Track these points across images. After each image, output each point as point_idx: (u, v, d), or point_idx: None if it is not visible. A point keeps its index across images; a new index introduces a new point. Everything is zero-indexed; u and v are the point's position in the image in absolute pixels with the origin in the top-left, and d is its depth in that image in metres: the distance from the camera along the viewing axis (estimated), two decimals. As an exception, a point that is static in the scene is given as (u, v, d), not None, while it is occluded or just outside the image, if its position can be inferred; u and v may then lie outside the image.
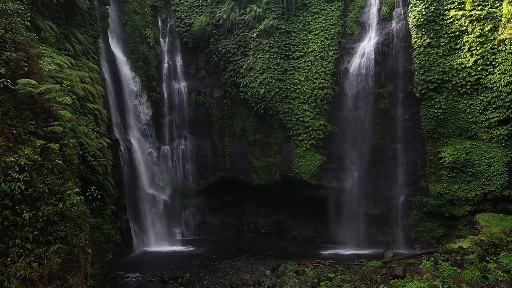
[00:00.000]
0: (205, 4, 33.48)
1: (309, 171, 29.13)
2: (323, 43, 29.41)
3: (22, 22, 11.94)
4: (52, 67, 12.92)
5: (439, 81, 26.34)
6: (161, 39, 34.23)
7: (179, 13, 34.05)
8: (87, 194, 13.18)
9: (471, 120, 25.92)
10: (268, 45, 30.42)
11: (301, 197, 30.61)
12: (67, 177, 11.58)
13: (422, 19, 26.70)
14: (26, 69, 11.36)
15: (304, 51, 29.94)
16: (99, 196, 13.24)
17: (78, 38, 22.82)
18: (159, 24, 34.26)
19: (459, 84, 26.01)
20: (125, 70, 30.12)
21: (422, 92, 26.78)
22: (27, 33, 11.63)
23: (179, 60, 34.61)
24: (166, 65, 34.09)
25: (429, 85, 26.51)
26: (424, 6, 26.78)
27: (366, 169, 28.65)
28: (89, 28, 24.92)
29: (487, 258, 18.95)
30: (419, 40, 26.89)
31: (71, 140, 11.88)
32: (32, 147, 10.31)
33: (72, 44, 22.02)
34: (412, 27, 27.26)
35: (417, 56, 26.93)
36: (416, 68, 26.96)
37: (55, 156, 10.83)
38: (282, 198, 31.56)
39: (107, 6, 28.97)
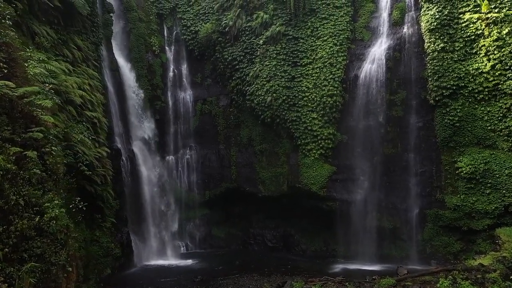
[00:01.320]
0: (211, 11, 32.89)
1: (318, 182, 27.94)
2: (331, 49, 28.43)
3: (3, 21, 11.16)
4: (38, 71, 12.11)
5: (454, 87, 25.03)
6: (167, 47, 33.63)
7: (185, 21, 33.50)
8: (70, 206, 12.16)
9: (489, 128, 24.47)
10: (275, 52, 29.55)
11: (310, 209, 29.39)
12: (48, 188, 10.65)
13: (435, 23, 25.54)
14: (6, 71, 10.54)
15: (312, 57, 29.00)
16: (85, 208, 12.21)
17: (77, 44, 22.19)
18: (165, 32, 33.73)
19: (476, 90, 24.65)
20: (129, 78, 29.48)
21: (437, 99, 25.49)
22: (5, 32, 10.81)
23: (184, 69, 33.93)
24: (171, 73, 33.44)
25: (444, 91, 25.22)
26: (437, 10, 25.62)
27: (377, 179, 27.35)
28: (90, 35, 24.32)
29: (511, 277, 17.42)
30: (432, 45, 25.70)
31: (54, 148, 10.95)
32: (6, 155, 9.40)
33: (71, 50, 21.38)
34: (425, 32, 26.11)
35: (430, 62, 25.71)
36: (429, 74, 25.72)
37: (33, 164, 9.90)
38: (290, 210, 30.38)
39: (111, 14, 28.49)
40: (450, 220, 25.11)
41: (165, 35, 33.68)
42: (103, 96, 23.87)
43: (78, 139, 16.61)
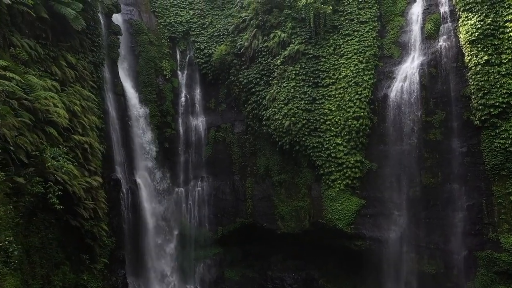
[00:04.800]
0: (226, 33, 30.95)
1: (344, 217, 24.74)
2: (357, 67, 25.76)
3: None
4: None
5: (504, 105, 21.62)
6: (179, 72, 31.51)
7: (198, 44, 31.54)
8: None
9: (550, 152, 20.55)
10: (293, 72, 27.00)
11: (336, 249, 26.29)
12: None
13: (477, 34, 22.48)
14: None
15: (335, 77, 26.38)
16: (16, 253, 9.19)
17: (70, 62, 20.09)
18: (178, 56, 31.73)
19: (532, 108, 20.99)
20: (135, 103, 27.38)
21: (483, 119, 22.05)
22: None
23: (197, 94, 31.61)
24: (183, 99, 31.13)
25: (492, 110, 21.76)
26: (478, 19, 22.54)
27: (415, 215, 24.16)
28: (89, 54, 22.37)
29: None
30: (474, 58, 22.49)
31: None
32: None
33: (61, 68, 19.25)
34: (464, 44, 23.03)
35: (473, 77, 22.44)
36: (473, 91, 22.47)
37: None
38: (313, 250, 27.31)
39: (118, 36, 26.74)
40: (508, 265, 21.19)
41: (178, 59, 31.68)
42: (100, 120, 21.61)
43: (49, 164, 13.87)
